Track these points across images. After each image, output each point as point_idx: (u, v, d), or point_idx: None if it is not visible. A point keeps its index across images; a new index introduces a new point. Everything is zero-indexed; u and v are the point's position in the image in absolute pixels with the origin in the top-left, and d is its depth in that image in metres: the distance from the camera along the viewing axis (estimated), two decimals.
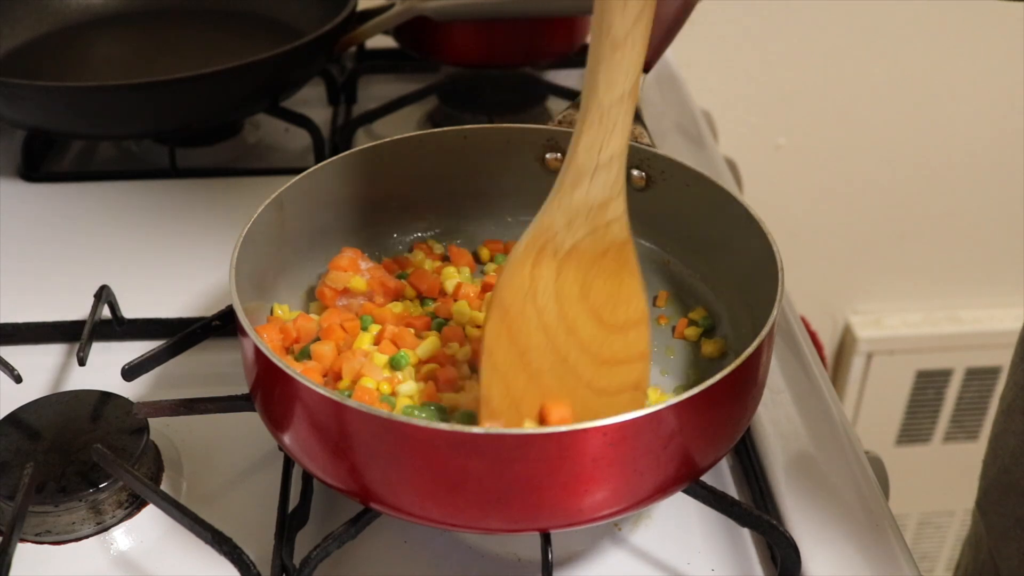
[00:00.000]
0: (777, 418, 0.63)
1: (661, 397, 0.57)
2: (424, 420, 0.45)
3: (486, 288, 0.64)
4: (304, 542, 0.53)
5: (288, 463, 0.57)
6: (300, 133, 0.91)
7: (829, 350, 1.73)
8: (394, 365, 0.56)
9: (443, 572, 0.54)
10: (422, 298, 0.64)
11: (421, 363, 0.57)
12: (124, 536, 0.55)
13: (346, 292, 0.62)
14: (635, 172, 0.67)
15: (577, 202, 0.49)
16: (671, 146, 0.93)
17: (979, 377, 1.67)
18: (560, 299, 0.50)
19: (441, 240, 0.70)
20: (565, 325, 0.50)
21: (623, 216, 0.50)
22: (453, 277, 0.64)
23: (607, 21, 0.44)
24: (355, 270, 0.63)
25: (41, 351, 0.69)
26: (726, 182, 0.68)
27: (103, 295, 0.67)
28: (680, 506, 0.57)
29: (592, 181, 0.48)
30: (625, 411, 0.45)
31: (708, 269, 0.65)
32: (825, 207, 1.61)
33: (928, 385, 1.70)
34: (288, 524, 0.54)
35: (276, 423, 0.52)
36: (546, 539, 0.51)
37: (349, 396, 0.53)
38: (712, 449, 0.51)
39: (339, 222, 0.66)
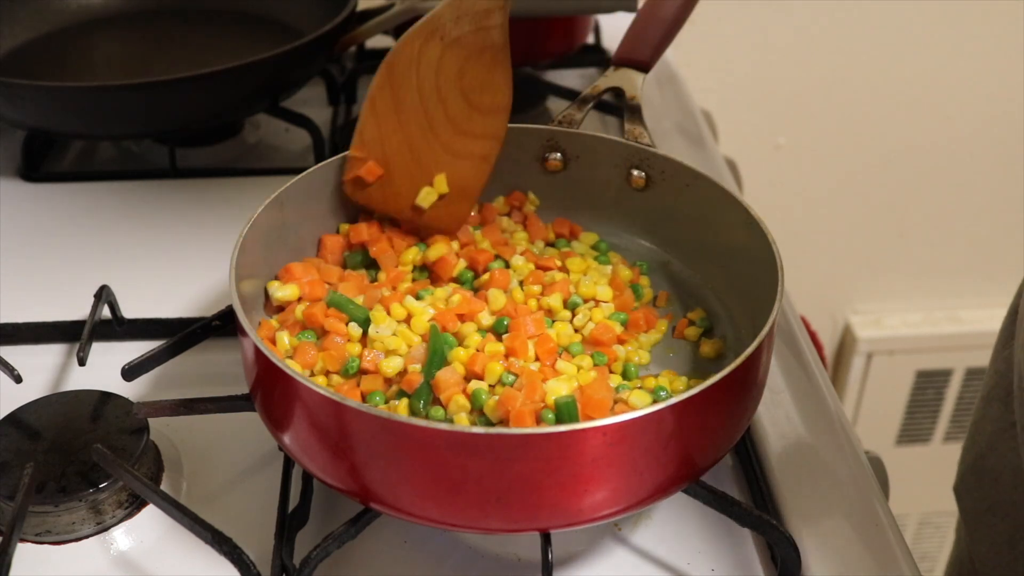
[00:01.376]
0: (777, 418, 0.63)
1: (674, 382, 0.58)
2: (424, 420, 0.45)
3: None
4: (304, 542, 0.53)
5: (288, 463, 0.57)
6: (300, 133, 0.91)
7: (829, 350, 1.73)
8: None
9: (443, 572, 0.54)
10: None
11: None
12: (124, 536, 0.55)
13: None
14: (635, 172, 0.67)
15: (467, 4, 0.61)
16: (671, 146, 0.93)
17: (979, 377, 1.67)
18: (439, 74, 0.63)
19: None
20: (438, 94, 0.63)
21: (503, 26, 0.62)
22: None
23: None
24: None
25: (41, 351, 0.69)
26: (726, 182, 0.68)
27: (103, 295, 0.67)
28: (680, 506, 0.57)
29: None
30: (467, 174, 0.65)
31: (708, 269, 0.65)
32: (825, 207, 1.61)
33: (928, 385, 1.70)
34: (288, 524, 0.54)
35: (276, 423, 0.52)
36: (546, 539, 0.50)
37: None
38: (712, 449, 0.51)
39: (339, 222, 0.66)
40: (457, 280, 0.63)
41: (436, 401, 0.54)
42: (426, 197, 0.64)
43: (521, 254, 0.64)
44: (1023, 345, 0.68)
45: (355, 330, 0.57)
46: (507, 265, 0.64)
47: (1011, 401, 0.70)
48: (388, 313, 0.58)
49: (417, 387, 0.54)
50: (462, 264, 0.63)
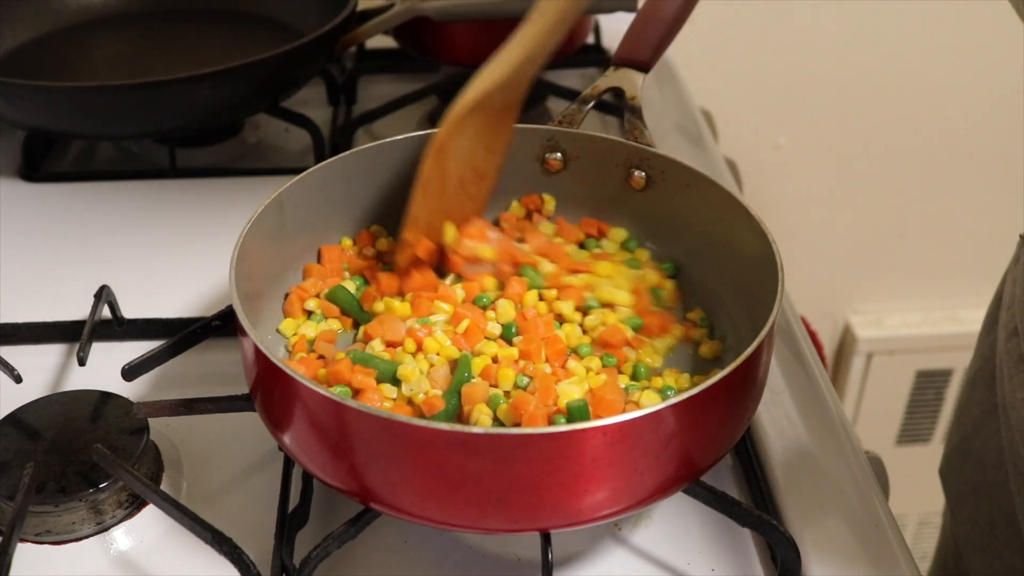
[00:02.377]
0: (777, 418, 0.63)
1: (679, 380, 0.57)
2: (424, 420, 0.45)
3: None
4: (304, 542, 0.53)
5: (288, 463, 0.57)
6: (300, 133, 0.91)
7: (829, 350, 1.73)
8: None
9: (443, 572, 0.54)
10: None
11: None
12: (124, 536, 0.55)
13: (475, 260, 0.64)
14: (635, 172, 0.67)
15: (520, 77, 0.62)
16: (671, 146, 0.93)
17: None
18: (474, 138, 0.63)
19: None
20: (470, 155, 0.64)
21: (527, 89, 0.64)
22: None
23: None
24: (483, 239, 0.65)
25: (41, 351, 0.69)
26: (726, 182, 0.68)
27: (103, 295, 0.67)
28: (680, 506, 0.57)
29: (532, 65, 0.62)
30: (474, 211, 0.65)
31: (708, 269, 0.65)
32: (825, 207, 1.61)
33: (928, 385, 1.70)
34: (288, 524, 0.54)
35: (276, 423, 0.52)
36: (546, 539, 0.51)
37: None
38: (712, 449, 0.51)
39: (338, 222, 0.66)
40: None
41: (457, 418, 0.54)
42: (451, 234, 0.63)
43: (551, 259, 0.64)
44: (1005, 327, 0.69)
45: (389, 391, 0.55)
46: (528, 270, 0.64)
47: (995, 384, 0.71)
48: (420, 348, 0.57)
49: (438, 412, 0.53)
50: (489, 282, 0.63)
